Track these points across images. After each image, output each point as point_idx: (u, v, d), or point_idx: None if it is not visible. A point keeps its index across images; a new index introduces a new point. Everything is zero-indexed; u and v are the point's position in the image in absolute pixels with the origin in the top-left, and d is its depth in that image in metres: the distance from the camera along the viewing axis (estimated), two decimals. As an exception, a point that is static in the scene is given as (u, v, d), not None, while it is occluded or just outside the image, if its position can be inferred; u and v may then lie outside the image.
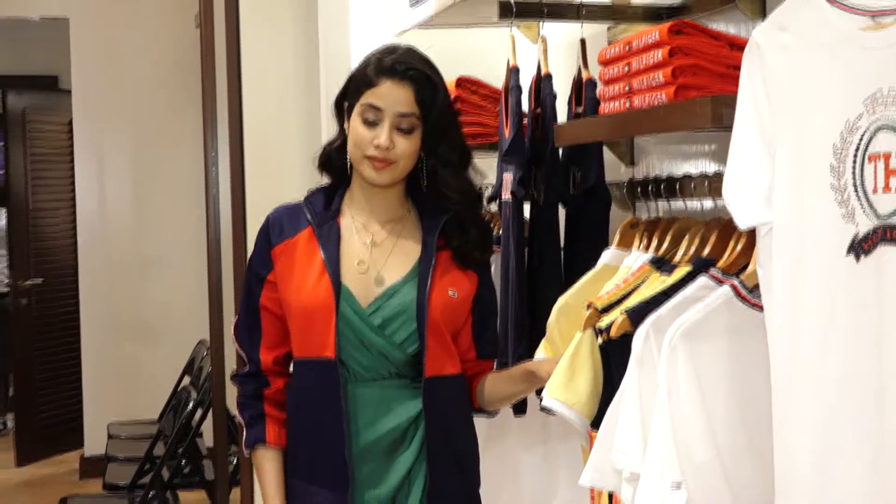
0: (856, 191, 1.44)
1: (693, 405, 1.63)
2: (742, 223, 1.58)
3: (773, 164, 1.54)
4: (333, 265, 2.09)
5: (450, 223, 2.14)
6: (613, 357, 1.82)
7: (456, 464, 2.16)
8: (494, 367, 2.32)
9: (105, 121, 6.45)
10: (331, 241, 2.12)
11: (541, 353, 2.17)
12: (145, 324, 6.50)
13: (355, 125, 2.09)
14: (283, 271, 2.14)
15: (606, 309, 1.88)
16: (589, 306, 1.90)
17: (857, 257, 1.43)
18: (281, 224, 2.17)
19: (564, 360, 1.87)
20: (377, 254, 2.14)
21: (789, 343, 1.51)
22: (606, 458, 1.71)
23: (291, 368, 2.23)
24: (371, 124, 2.07)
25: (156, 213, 6.51)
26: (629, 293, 1.89)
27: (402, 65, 2.08)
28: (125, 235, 6.53)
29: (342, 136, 2.17)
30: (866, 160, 1.42)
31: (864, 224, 1.42)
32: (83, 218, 6.56)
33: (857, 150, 1.44)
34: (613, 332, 1.82)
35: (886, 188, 1.40)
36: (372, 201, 2.17)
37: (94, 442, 6.34)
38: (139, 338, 6.50)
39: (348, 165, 2.15)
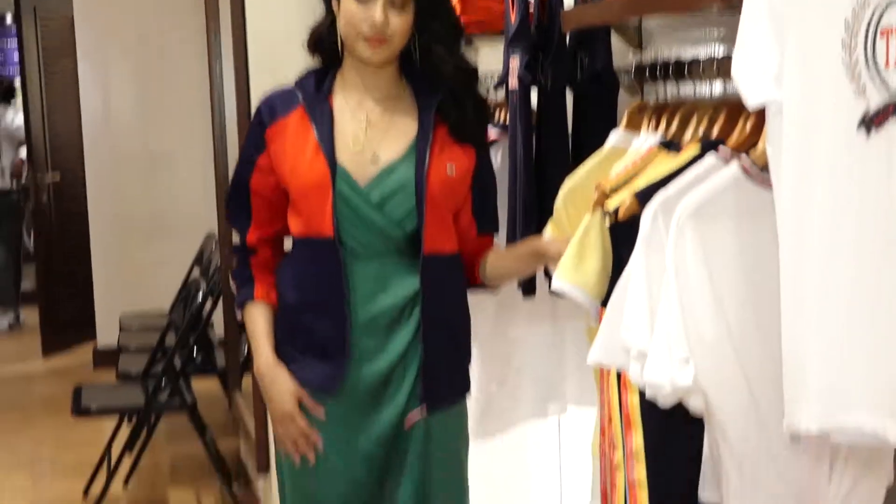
0: (867, 66, 1.42)
1: (701, 285, 1.62)
2: (751, 101, 1.56)
3: (783, 41, 1.52)
4: (327, 144, 2.09)
5: (446, 100, 2.14)
6: (622, 238, 1.80)
7: (451, 342, 2.21)
8: (497, 244, 2.35)
9: (107, 16, 6.37)
10: (323, 120, 2.11)
11: (548, 233, 2.18)
12: (154, 219, 6.51)
13: (347, 4, 2.07)
14: (277, 152, 2.15)
15: (615, 190, 1.86)
16: (597, 188, 1.88)
17: (868, 132, 1.42)
18: (273, 106, 2.17)
19: (574, 243, 1.87)
20: (372, 133, 2.13)
21: (799, 221, 1.50)
22: (614, 336, 1.72)
23: (291, 247, 2.26)
24: (364, 2, 2.05)
25: (160, 108, 6.48)
26: (637, 174, 1.88)
27: None
28: (130, 132, 6.50)
29: (330, 16, 2.15)
30: (878, 35, 1.39)
31: (875, 99, 1.40)
32: (88, 116, 6.52)
33: (869, 25, 1.41)
34: (621, 215, 1.80)
35: (899, 63, 1.38)
36: (365, 81, 2.15)
37: (107, 334, 6.40)
38: (148, 233, 6.51)
39: (339, 46, 2.14)
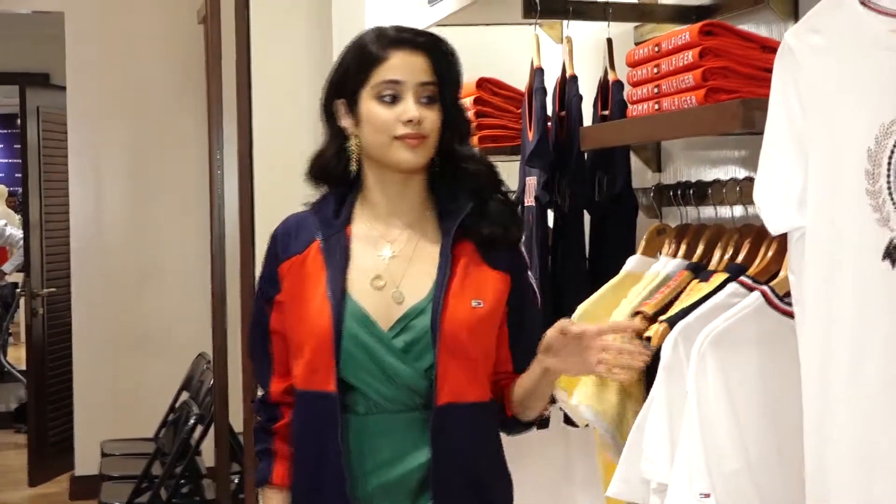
0: (891, 195, 1.52)
1: (722, 414, 1.71)
2: (774, 228, 1.66)
3: (806, 169, 1.62)
4: (337, 289, 2.00)
5: (471, 214, 2.04)
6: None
7: (475, 500, 2.03)
8: None
9: (101, 121, 6.51)
10: (337, 260, 2.03)
11: None
12: (141, 337, 6.56)
13: (372, 110, 2.00)
14: (291, 292, 2.06)
15: (656, 316, 1.95)
16: (636, 314, 1.96)
17: (893, 263, 1.51)
18: (288, 238, 2.09)
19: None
20: (396, 267, 2.04)
21: (823, 350, 1.58)
22: (634, 468, 1.79)
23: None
24: (391, 102, 1.99)
25: (155, 219, 6.57)
26: (673, 301, 1.97)
27: (410, 33, 2.03)
28: (122, 243, 6.59)
29: (338, 139, 2.07)
30: (901, 164, 1.50)
31: (900, 230, 1.50)
32: (77, 224, 6.62)
33: (893, 154, 1.51)
34: (654, 342, 1.89)
35: (923, 193, 1.48)
36: (390, 201, 2.06)
37: (86, 461, 6.41)
38: (134, 352, 6.56)
39: (354, 168, 2.05)
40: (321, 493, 2.03)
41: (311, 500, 2.06)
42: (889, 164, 1.52)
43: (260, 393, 2.19)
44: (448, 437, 1.97)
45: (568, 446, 2.64)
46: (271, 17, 4.15)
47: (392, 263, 2.04)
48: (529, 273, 2.12)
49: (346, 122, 2.05)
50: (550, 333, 1.94)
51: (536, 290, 2.12)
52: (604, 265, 2.43)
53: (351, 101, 2.03)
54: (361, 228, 2.07)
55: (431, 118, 1.99)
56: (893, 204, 1.52)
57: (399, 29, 2.04)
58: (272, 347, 2.12)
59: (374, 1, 3.76)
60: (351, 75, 2.03)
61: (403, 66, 1.99)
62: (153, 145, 6.54)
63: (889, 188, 1.52)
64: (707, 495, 1.67)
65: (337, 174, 2.08)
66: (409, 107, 1.97)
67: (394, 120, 1.98)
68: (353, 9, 3.79)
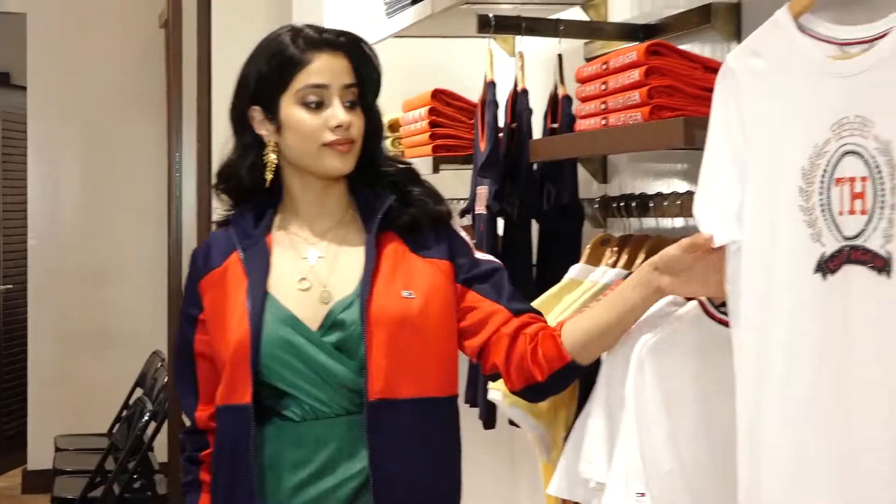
0: (823, 212, 1.57)
1: (658, 418, 1.76)
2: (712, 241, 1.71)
3: (744, 185, 1.67)
4: (257, 293, 1.89)
5: (392, 207, 1.95)
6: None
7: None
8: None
9: (61, 121, 6.51)
10: (258, 264, 1.92)
11: None
12: (96, 334, 6.54)
13: (296, 116, 1.89)
14: (212, 307, 1.95)
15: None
16: None
17: (824, 276, 1.56)
18: (208, 252, 1.98)
19: None
20: (321, 268, 1.94)
21: (757, 359, 1.64)
22: (574, 468, 1.84)
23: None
24: (316, 108, 1.89)
25: (112, 219, 6.57)
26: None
27: (331, 33, 1.93)
28: (79, 241, 6.58)
29: (254, 148, 1.95)
30: (833, 183, 1.55)
31: (831, 244, 1.55)
32: (34, 222, 6.60)
33: (825, 173, 1.57)
34: None
35: (851, 211, 1.53)
36: (313, 205, 1.97)
37: (39, 455, 6.38)
38: (89, 348, 6.54)
39: (267, 181, 1.94)
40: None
41: None
42: (822, 182, 1.57)
43: (187, 424, 2.06)
44: (386, 436, 1.85)
45: (512, 446, 2.68)
46: (233, 22, 4.16)
47: (317, 265, 1.94)
48: (480, 253, 2.02)
49: (263, 129, 1.94)
50: (673, 252, 1.78)
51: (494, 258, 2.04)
52: (550, 272, 2.48)
53: (269, 108, 1.92)
54: (283, 235, 1.97)
55: (357, 122, 1.91)
56: (825, 220, 1.57)
57: (318, 29, 1.93)
58: (197, 371, 1.99)
59: (333, 8, 3.79)
60: (269, 80, 1.91)
61: (327, 69, 1.89)
62: (112, 146, 6.53)
63: (822, 205, 1.57)
64: (642, 495, 1.71)
65: (254, 185, 1.96)
66: (338, 112, 1.88)
67: (321, 126, 1.88)
68: (313, 15, 3.81)
